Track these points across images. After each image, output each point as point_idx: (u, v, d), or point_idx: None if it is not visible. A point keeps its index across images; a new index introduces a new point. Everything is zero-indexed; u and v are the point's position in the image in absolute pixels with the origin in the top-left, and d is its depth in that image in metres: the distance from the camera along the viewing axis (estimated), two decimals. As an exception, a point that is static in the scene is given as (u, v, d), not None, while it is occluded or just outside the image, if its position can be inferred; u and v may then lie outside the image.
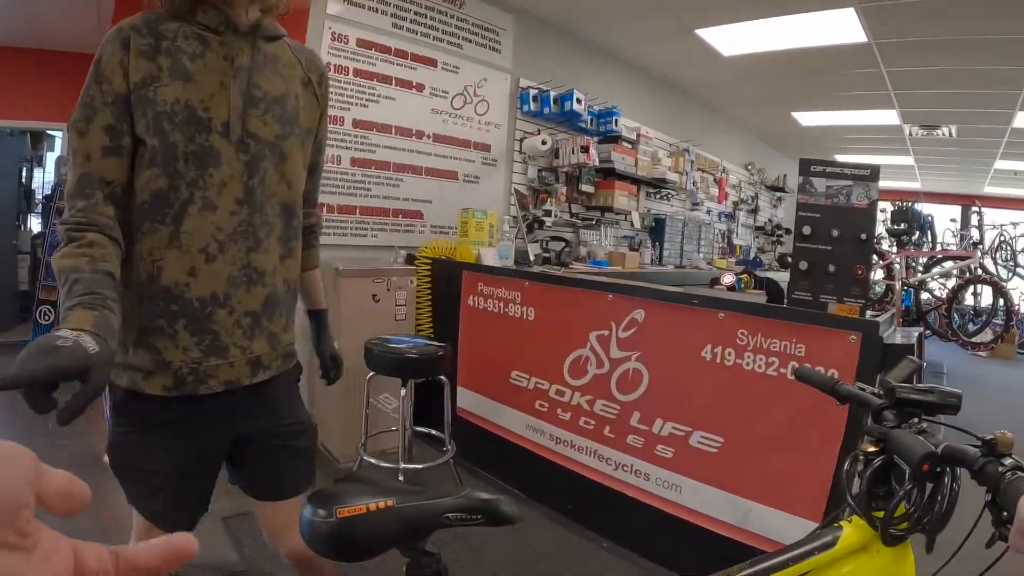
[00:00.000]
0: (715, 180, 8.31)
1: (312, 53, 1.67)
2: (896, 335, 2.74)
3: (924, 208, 8.64)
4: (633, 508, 3.05)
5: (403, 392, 3.23)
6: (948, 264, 7.55)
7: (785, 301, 2.78)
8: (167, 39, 1.37)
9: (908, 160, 10.26)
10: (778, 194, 10.46)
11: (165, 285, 1.39)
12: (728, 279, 3.43)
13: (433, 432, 3.64)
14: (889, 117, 7.75)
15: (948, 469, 0.96)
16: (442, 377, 3.31)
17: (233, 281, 1.45)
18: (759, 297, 3.27)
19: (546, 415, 3.42)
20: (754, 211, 10.01)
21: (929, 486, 0.99)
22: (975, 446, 0.94)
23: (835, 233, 2.62)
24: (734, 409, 2.74)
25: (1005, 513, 0.84)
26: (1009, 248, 10.55)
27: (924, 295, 7.55)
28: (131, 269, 1.40)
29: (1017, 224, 10.80)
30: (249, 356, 1.51)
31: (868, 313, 2.64)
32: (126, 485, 1.50)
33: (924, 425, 1.06)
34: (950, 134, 8.17)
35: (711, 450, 2.79)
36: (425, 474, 3.63)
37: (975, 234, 9.68)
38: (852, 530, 1.08)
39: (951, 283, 7.32)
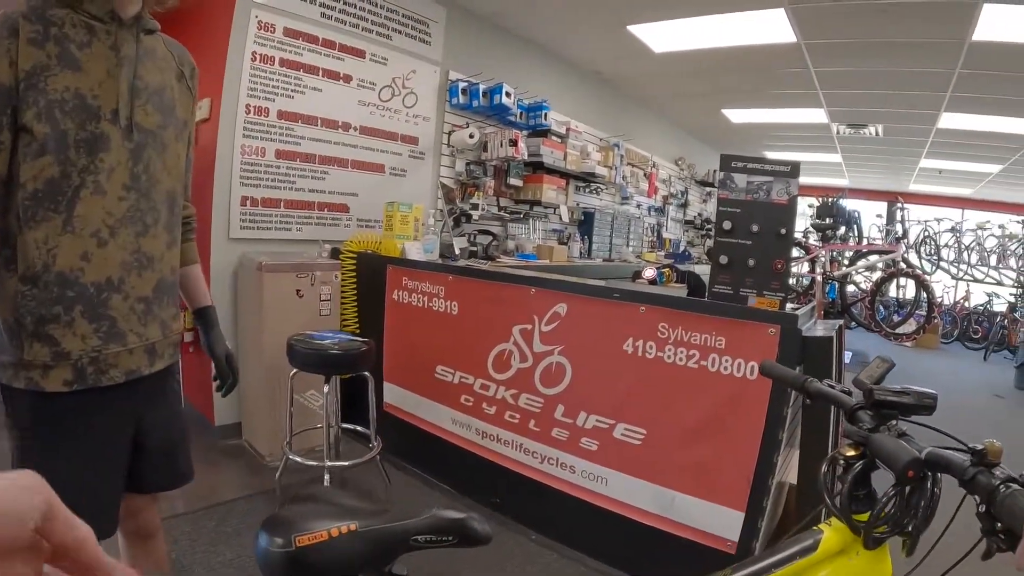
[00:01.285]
0: (645, 175, 8.39)
1: (183, 48, 1.70)
2: (817, 328, 2.80)
3: (851, 204, 8.90)
4: (560, 500, 3.05)
5: (326, 389, 3.17)
6: (873, 258, 7.78)
7: (706, 295, 2.81)
8: (55, 26, 1.35)
9: (836, 157, 10.57)
10: (708, 189, 10.64)
11: (60, 271, 1.38)
12: (649, 273, 3.44)
13: (359, 428, 3.58)
14: (817, 116, 7.96)
15: (931, 474, 0.97)
16: (366, 373, 3.27)
17: (126, 266, 1.47)
18: (680, 291, 3.30)
19: (472, 409, 3.40)
20: (684, 205, 10.18)
21: (908, 489, 1.00)
22: (959, 450, 0.95)
23: (755, 228, 2.65)
24: (656, 401, 2.77)
25: (999, 524, 0.85)
26: (933, 243, 11.03)
27: (850, 288, 7.77)
28: (24, 260, 1.37)
29: (941, 220, 11.28)
30: (145, 343, 1.54)
31: (788, 306, 2.69)
32: None
33: (904, 427, 1.06)
34: (877, 133, 8.44)
35: (635, 442, 2.81)
36: (350, 472, 3.59)
37: (899, 229, 10.09)
38: (832, 533, 1.07)
39: (876, 276, 7.55)
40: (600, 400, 2.92)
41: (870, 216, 11.08)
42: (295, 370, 3.18)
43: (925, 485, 0.97)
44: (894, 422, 1.07)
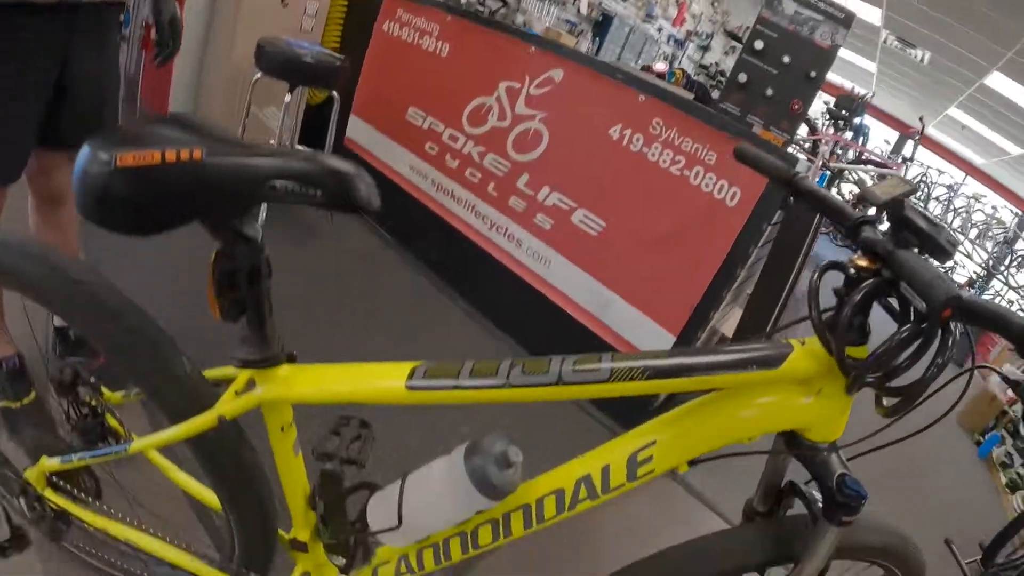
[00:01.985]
0: (677, 1, 7.91)
1: None
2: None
3: (867, 121, 8.63)
4: (497, 272, 2.96)
5: (287, 98, 2.92)
6: (872, 168, 7.58)
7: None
8: None
9: (871, 66, 10.08)
10: (733, 43, 10.13)
11: None
12: (661, 66, 3.22)
13: (311, 153, 3.38)
14: (872, 14, 7.40)
15: (954, 327, 0.73)
16: (333, 93, 3.03)
17: None
18: (686, 95, 3.08)
19: (434, 159, 3.21)
20: (704, 48, 9.74)
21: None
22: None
23: (786, 60, 2.50)
24: (626, 197, 2.62)
25: None
26: (926, 189, 10.85)
27: (835, 193, 7.62)
28: None
29: (943, 173, 11.07)
30: None
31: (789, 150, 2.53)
32: None
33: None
34: (923, 59, 7.96)
35: (591, 232, 2.69)
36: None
37: (908, 153, 9.79)
38: (802, 354, 0.80)
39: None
40: (569, 179, 2.76)
41: (878, 139, 10.80)
42: (259, 74, 2.91)
43: (947, 335, 0.73)
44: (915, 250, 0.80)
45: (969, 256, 11.42)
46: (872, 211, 0.85)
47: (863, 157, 7.69)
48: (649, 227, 2.56)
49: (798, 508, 0.89)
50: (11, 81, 1.35)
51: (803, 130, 7.04)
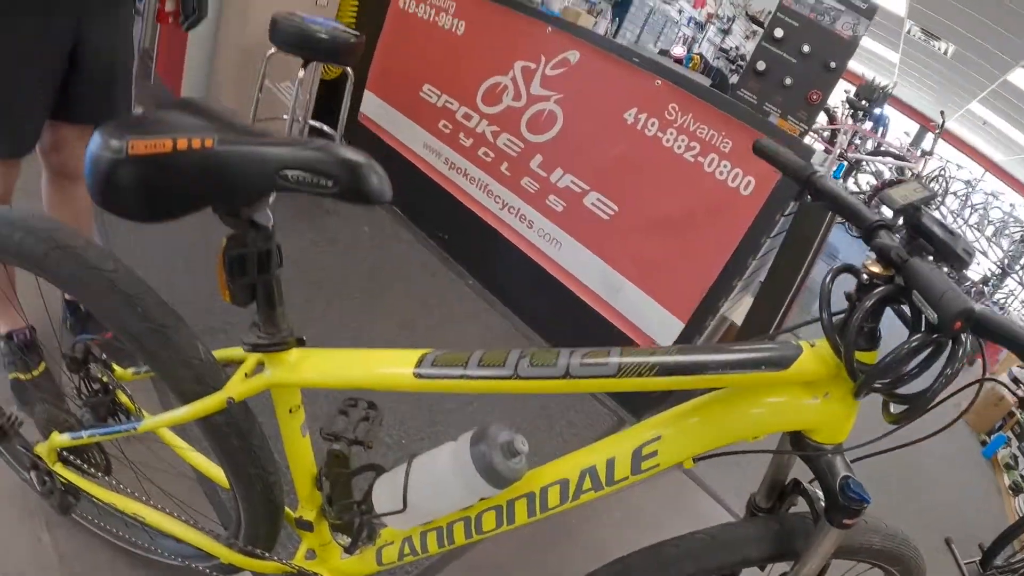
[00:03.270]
0: (699, -17, 7.83)
1: None
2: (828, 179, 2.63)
3: (887, 111, 8.50)
4: (507, 252, 2.96)
5: (301, 74, 2.91)
6: (890, 159, 7.50)
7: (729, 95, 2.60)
8: None
9: (894, 56, 9.95)
10: (754, 27, 9.98)
11: None
12: (679, 50, 3.19)
13: (326, 128, 3.37)
14: (897, 4, 7.29)
15: (965, 339, 0.73)
16: (348, 69, 3.01)
17: None
18: (703, 80, 3.05)
19: (447, 137, 3.20)
20: (725, 32, 9.60)
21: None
22: None
23: (806, 49, 2.45)
24: (639, 182, 2.60)
25: None
26: (944, 184, 10.72)
27: (851, 185, 7.55)
28: None
29: (961, 168, 10.93)
30: None
31: (807, 140, 2.52)
32: None
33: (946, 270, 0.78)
34: (946, 52, 7.85)
35: (603, 215, 2.68)
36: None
37: (928, 146, 9.69)
38: (811, 356, 0.80)
39: (884, 180, 7.31)
40: (582, 162, 2.74)
41: (898, 131, 10.67)
42: (273, 49, 2.89)
43: (957, 347, 0.73)
44: (930, 258, 0.80)
45: (984, 254, 11.34)
46: (889, 214, 0.85)
47: (882, 148, 7.58)
48: (661, 213, 2.55)
49: (802, 506, 0.90)
50: (24, 48, 1.35)
51: (822, 118, 6.98)
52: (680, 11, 7.95)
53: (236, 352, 1.00)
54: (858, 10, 2.38)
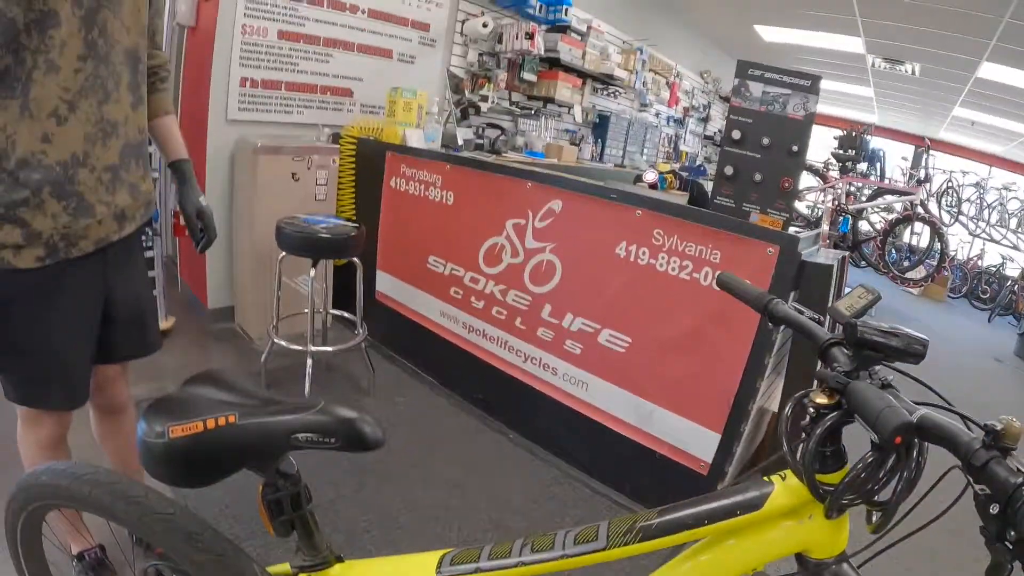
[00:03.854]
0: (667, 83, 8.10)
1: None
2: (819, 255, 2.70)
3: (877, 143, 8.56)
4: (540, 401, 3.05)
5: (312, 273, 3.12)
6: (890, 197, 7.53)
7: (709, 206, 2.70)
8: None
9: (868, 91, 10.13)
10: (732, 106, 10.28)
11: (22, 156, 1.33)
12: (651, 176, 3.33)
13: (347, 315, 3.56)
14: (854, 44, 7.53)
15: (918, 443, 0.79)
16: (355, 259, 3.21)
17: (90, 138, 1.43)
18: (681, 198, 3.19)
19: (460, 302, 3.37)
20: (705, 120, 9.88)
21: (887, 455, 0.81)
22: (963, 417, 0.78)
23: (766, 142, 2.51)
24: (645, 310, 2.70)
25: (1013, 532, 0.68)
26: (955, 195, 10.67)
27: (864, 226, 7.57)
28: None
29: (967, 173, 10.90)
30: (114, 210, 1.52)
31: (792, 229, 2.58)
32: (6, 375, 1.52)
33: (890, 377, 0.86)
34: (913, 72, 8.01)
35: (619, 349, 2.77)
36: (337, 358, 3.60)
37: (922, 174, 9.76)
38: (783, 490, 0.88)
39: (892, 217, 7.32)
40: (588, 303, 2.86)
41: (895, 158, 10.71)
42: (283, 253, 3.12)
43: (911, 453, 0.79)
44: (876, 367, 0.88)
45: (1016, 247, 11.16)
46: (839, 330, 0.92)
47: (882, 189, 7.62)
48: (673, 334, 2.62)
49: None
50: (69, 325, 1.52)
51: (813, 180, 7.10)
52: (657, 114, 8.23)
53: (287, 568, 1.15)
54: (803, 88, 2.42)
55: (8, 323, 1.44)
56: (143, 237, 1.78)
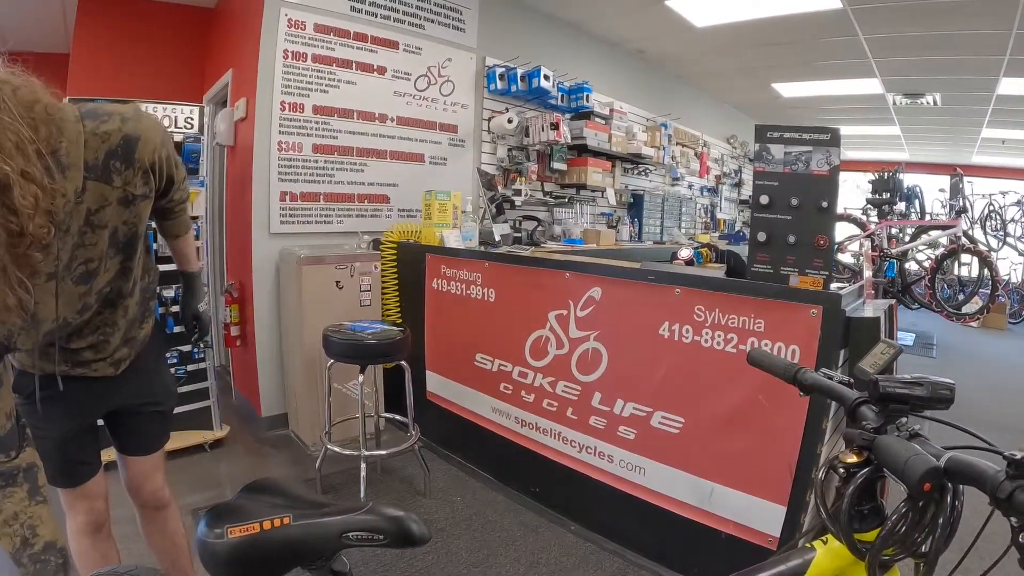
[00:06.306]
0: (696, 154, 8.21)
1: (106, 128, 1.34)
2: (865, 308, 2.67)
3: (912, 179, 8.47)
4: (598, 490, 3.01)
5: (360, 378, 3.19)
6: (934, 233, 7.38)
7: (747, 275, 2.70)
8: None
9: (894, 130, 10.14)
10: (763, 169, 10.32)
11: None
12: (686, 253, 3.35)
13: (399, 418, 3.60)
14: (872, 86, 7.60)
15: (952, 486, 0.79)
16: (403, 362, 3.27)
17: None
18: (718, 271, 3.20)
19: (510, 397, 3.38)
20: (738, 184, 9.91)
21: (923, 504, 0.82)
22: (991, 450, 0.79)
23: (794, 202, 2.53)
24: (694, 388, 2.68)
25: None
26: (999, 217, 10.41)
27: (911, 266, 7.43)
28: None
29: (1007, 193, 10.68)
30: (111, 360, 1.68)
31: (834, 286, 2.56)
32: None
33: (917, 427, 0.87)
34: (935, 102, 8.04)
35: (672, 431, 2.74)
36: (392, 460, 3.61)
37: (961, 203, 9.61)
38: (826, 554, 0.89)
39: (937, 254, 7.18)
40: (637, 387, 2.85)
41: (932, 191, 10.56)
42: (332, 361, 3.20)
43: (945, 499, 0.78)
44: (904, 419, 0.88)
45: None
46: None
47: (923, 227, 7.50)
48: (725, 409, 2.59)
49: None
50: (73, 419, 1.66)
51: (855, 229, 7.01)
52: (690, 186, 8.31)
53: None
54: (824, 143, 2.44)
55: (32, 410, 1.56)
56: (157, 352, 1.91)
